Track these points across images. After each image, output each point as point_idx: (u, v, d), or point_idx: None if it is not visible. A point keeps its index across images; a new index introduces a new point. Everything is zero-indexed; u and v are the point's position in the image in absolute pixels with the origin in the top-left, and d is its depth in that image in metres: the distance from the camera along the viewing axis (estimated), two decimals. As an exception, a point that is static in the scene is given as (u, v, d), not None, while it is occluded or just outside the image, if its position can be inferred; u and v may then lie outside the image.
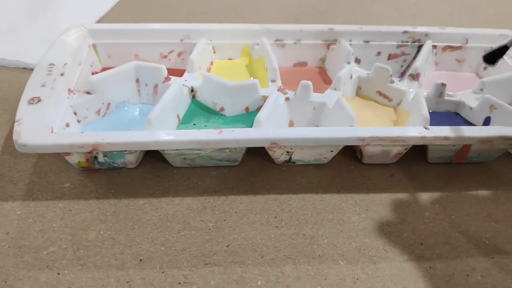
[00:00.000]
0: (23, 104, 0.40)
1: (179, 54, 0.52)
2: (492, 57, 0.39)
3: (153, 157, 0.44)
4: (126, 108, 0.47)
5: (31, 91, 0.41)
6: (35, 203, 0.39)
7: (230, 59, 0.54)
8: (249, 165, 0.44)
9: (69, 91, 0.43)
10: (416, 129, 0.40)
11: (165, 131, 0.38)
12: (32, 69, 0.51)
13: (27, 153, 0.40)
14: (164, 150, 0.40)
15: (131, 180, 0.42)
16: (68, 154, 0.40)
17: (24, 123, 0.38)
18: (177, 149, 0.40)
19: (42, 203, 0.39)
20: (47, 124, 0.38)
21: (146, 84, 0.47)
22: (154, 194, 0.41)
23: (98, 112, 0.45)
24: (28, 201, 0.40)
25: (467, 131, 0.40)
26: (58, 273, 0.35)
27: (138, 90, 0.47)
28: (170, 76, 0.46)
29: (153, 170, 0.43)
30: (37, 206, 0.39)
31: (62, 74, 0.43)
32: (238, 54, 0.54)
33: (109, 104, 0.45)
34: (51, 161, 0.43)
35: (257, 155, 0.45)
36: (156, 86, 0.47)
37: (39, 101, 0.40)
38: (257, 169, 0.44)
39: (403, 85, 0.48)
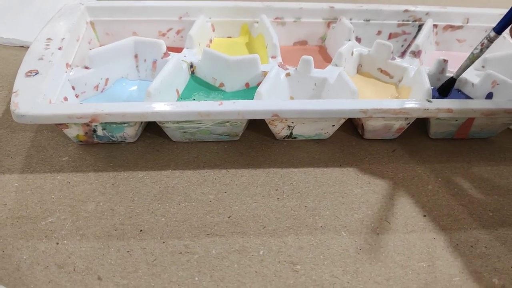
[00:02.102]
0: (20, 77, 0.39)
1: (178, 32, 0.52)
2: (444, 89, 0.46)
3: (152, 132, 0.43)
4: (124, 84, 0.46)
5: (28, 64, 0.40)
6: (33, 176, 0.39)
7: (229, 37, 0.54)
8: (249, 140, 0.44)
9: (67, 65, 0.43)
10: (419, 101, 0.40)
11: (165, 102, 0.37)
12: (29, 47, 0.50)
13: (25, 123, 0.39)
14: (163, 124, 0.40)
15: (130, 154, 0.41)
16: (66, 127, 0.39)
17: (22, 94, 0.37)
18: (177, 122, 0.39)
19: (40, 176, 0.39)
20: (45, 95, 0.38)
21: (145, 60, 0.46)
22: (153, 167, 0.40)
23: (97, 87, 0.44)
24: (26, 173, 0.39)
25: (470, 104, 0.40)
26: (57, 243, 0.34)
27: (137, 66, 0.47)
28: (169, 52, 0.46)
29: (152, 144, 0.42)
30: (35, 179, 0.39)
31: (60, 48, 0.43)
32: (238, 32, 0.53)
33: (107, 79, 0.45)
34: (49, 135, 0.43)
35: (257, 130, 0.44)
36: (154, 62, 0.46)
37: (36, 73, 0.39)
38: (258, 144, 0.43)
39: (405, 62, 0.48)
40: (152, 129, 0.43)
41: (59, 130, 0.42)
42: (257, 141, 0.43)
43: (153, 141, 0.43)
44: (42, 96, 0.37)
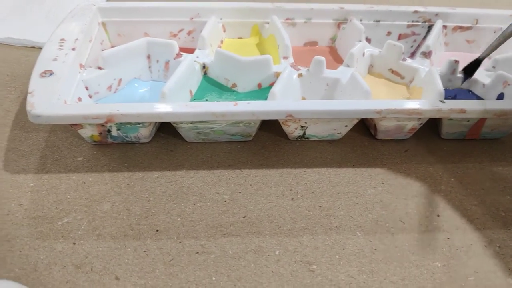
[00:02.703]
0: (35, 77, 0.39)
1: (189, 33, 0.52)
2: (471, 69, 0.46)
3: (166, 133, 0.43)
4: (137, 84, 0.46)
5: (43, 65, 0.41)
6: (48, 176, 0.39)
7: (240, 37, 0.54)
8: (262, 140, 0.44)
9: (81, 65, 0.43)
10: (432, 102, 0.40)
11: (180, 103, 0.37)
12: (40, 48, 0.51)
13: (40, 124, 0.39)
14: (178, 124, 0.40)
15: (145, 154, 0.41)
16: (81, 127, 0.39)
17: (37, 95, 0.37)
18: (191, 123, 0.39)
19: (55, 176, 0.39)
20: (60, 96, 0.38)
21: (157, 61, 0.47)
22: (168, 167, 0.40)
23: (110, 87, 0.44)
24: (41, 174, 0.39)
25: (483, 104, 0.40)
26: (74, 243, 0.34)
27: (149, 67, 0.47)
28: (181, 53, 0.46)
29: (166, 145, 0.43)
30: (50, 179, 0.39)
31: (73, 49, 0.43)
32: (248, 33, 0.53)
33: (120, 80, 0.45)
34: (63, 136, 0.43)
35: (270, 131, 0.44)
36: (167, 63, 0.46)
37: (51, 74, 0.40)
38: (271, 144, 0.43)
39: (416, 63, 0.48)
40: (165, 130, 0.43)
41: (73, 131, 0.42)
42: (270, 142, 0.44)
43: (166, 142, 0.43)
44: (57, 96, 0.38)
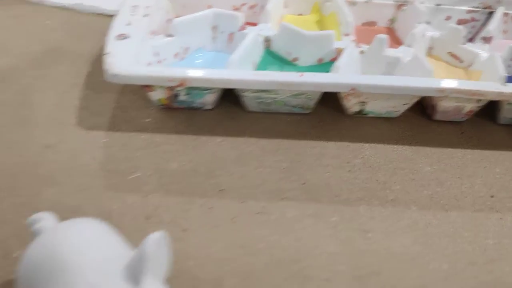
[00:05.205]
0: (111, 39, 0.41)
1: (251, 7, 0.53)
2: None
3: (227, 101, 0.45)
4: (201, 54, 0.48)
5: (117, 28, 0.43)
6: (118, 134, 0.41)
7: (300, 14, 0.55)
8: (320, 114, 0.45)
9: (152, 32, 0.45)
10: (494, 84, 0.40)
11: (250, 71, 0.39)
12: (107, 15, 0.53)
13: (115, 84, 0.41)
14: (243, 92, 0.42)
15: (208, 120, 0.43)
16: (152, 89, 0.41)
17: (114, 55, 0.40)
18: (256, 92, 0.41)
19: (126, 134, 0.41)
20: (135, 58, 0.40)
21: (222, 32, 0.48)
22: (230, 133, 0.42)
23: (177, 55, 0.46)
24: (112, 131, 0.42)
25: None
26: (144, 196, 0.37)
27: (214, 37, 0.49)
28: (245, 25, 0.47)
29: (228, 112, 0.44)
30: (121, 137, 0.41)
31: (145, 15, 0.45)
32: (309, 10, 0.54)
33: (187, 48, 0.47)
34: (131, 98, 0.45)
35: (328, 105, 0.46)
36: (231, 34, 0.48)
37: (126, 37, 0.42)
38: (328, 118, 0.45)
39: (476, 47, 0.48)
40: (227, 98, 0.45)
41: (140, 94, 0.44)
42: (328, 116, 0.45)
43: (228, 110, 0.45)
44: (132, 59, 0.40)
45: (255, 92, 0.41)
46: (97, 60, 0.48)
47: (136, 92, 0.45)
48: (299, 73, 0.39)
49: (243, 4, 0.53)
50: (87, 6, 0.57)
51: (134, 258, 0.24)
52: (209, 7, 0.52)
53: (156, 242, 0.24)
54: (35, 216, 0.28)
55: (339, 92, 0.42)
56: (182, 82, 0.38)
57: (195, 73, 0.38)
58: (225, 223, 0.35)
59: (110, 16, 0.47)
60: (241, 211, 0.36)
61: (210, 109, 0.44)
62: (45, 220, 0.27)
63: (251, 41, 0.44)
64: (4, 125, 0.41)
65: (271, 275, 0.33)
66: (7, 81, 0.46)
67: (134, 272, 0.23)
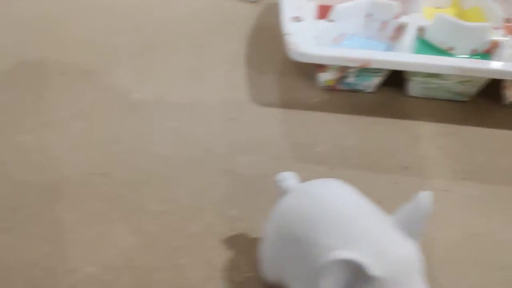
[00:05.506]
0: (287, 21, 0.44)
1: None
2: None
3: (386, 85, 0.47)
4: (353, 40, 0.50)
5: (289, 11, 0.45)
6: (293, 111, 0.44)
7: (438, 7, 0.56)
8: (476, 102, 0.46)
9: (318, 15, 0.47)
10: None
11: (433, 56, 0.41)
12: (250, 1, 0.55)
13: (302, 61, 0.42)
14: (412, 77, 0.43)
15: (370, 102, 0.45)
16: (324, 70, 0.43)
17: (295, 36, 0.42)
18: (426, 76, 0.43)
19: (300, 112, 0.44)
20: (312, 40, 0.42)
21: (376, 20, 0.50)
22: (394, 116, 0.44)
23: (335, 40, 0.48)
24: (286, 108, 0.44)
25: None
26: (331, 168, 0.39)
27: (366, 25, 0.50)
28: (399, 14, 0.49)
29: (387, 96, 0.46)
30: (296, 114, 0.44)
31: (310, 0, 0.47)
32: (448, 4, 0.56)
33: (344, 34, 0.49)
34: (295, 78, 0.47)
35: (482, 95, 0.47)
36: (384, 23, 0.50)
37: (300, 20, 0.44)
38: (484, 107, 0.46)
39: None
40: (386, 82, 0.46)
41: (304, 75, 0.47)
42: (484, 104, 0.46)
43: (387, 93, 0.46)
44: (311, 40, 0.42)
45: (425, 76, 0.43)
46: (251, 43, 0.50)
47: (299, 73, 0.47)
48: (475, 60, 0.41)
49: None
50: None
51: (409, 209, 0.25)
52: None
53: (429, 198, 0.25)
54: (282, 174, 0.30)
55: (503, 81, 0.43)
56: (365, 63, 0.40)
57: (378, 55, 0.40)
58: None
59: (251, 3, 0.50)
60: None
61: (371, 92, 0.46)
62: (290, 178, 0.30)
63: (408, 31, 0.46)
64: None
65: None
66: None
67: (408, 223, 0.25)
